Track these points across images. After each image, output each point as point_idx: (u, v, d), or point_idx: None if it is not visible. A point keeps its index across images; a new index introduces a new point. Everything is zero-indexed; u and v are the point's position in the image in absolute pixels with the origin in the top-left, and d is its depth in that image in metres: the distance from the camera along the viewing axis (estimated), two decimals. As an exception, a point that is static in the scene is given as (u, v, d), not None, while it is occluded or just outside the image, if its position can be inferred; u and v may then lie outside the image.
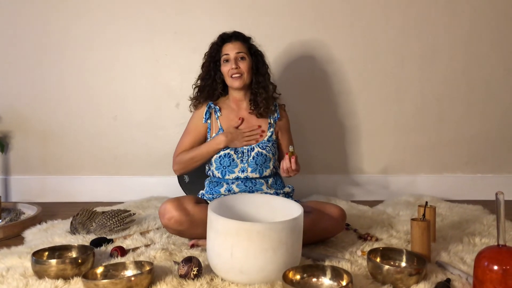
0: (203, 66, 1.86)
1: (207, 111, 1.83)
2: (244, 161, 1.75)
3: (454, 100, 2.54)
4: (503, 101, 2.54)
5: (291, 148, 1.65)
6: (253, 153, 1.75)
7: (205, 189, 1.82)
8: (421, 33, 2.49)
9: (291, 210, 1.42)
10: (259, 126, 1.81)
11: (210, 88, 1.83)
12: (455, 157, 2.58)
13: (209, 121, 1.83)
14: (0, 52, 2.51)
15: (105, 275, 1.32)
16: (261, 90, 1.80)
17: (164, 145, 2.51)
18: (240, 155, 1.75)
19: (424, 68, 2.52)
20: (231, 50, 1.77)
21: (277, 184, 1.80)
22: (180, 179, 2.25)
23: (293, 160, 1.62)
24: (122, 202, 2.40)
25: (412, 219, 1.49)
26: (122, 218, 1.89)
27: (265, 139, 1.80)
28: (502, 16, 2.48)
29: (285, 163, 1.63)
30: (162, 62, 2.51)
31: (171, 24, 2.49)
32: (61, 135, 2.55)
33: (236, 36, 1.81)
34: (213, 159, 1.78)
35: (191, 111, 1.89)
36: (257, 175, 1.75)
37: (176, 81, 2.51)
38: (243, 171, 1.74)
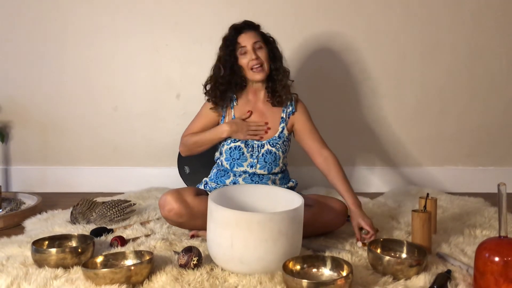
0: (219, 60, 1.74)
1: (224, 99, 1.75)
2: (254, 157, 1.70)
3: (456, 92, 2.52)
4: (505, 93, 2.53)
5: (364, 232, 1.55)
6: (263, 150, 1.71)
7: (209, 176, 1.79)
8: (424, 24, 2.47)
9: (292, 201, 1.42)
10: (266, 123, 1.74)
11: (229, 81, 1.72)
12: (457, 149, 2.57)
13: (225, 109, 1.76)
14: (1, 42, 2.49)
15: (105, 265, 1.32)
16: (281, 76, 1.72)
17: (164, 136, 2.51)
18: (250, 149, 1.70)
19: (426, 60, 2.50)
20: (247, 41, 1.70)
21: (284, 179, 1.78)
22: (181, 169, 2.25)
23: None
24: (122, 193, 2.39)
25: (413, 211, 1.49)
26: (122, 208, 1.89)
27: (276, 135, 1.74)
28: (505, 8, 2.46)
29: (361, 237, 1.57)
30: (163, 53, 2.50)
31: (171, 14, 2.46)
32: (61, 125, 2.54)
33: (248, 26, 1.73)
34: (223, 149, 1.74)
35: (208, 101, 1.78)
36: (266, 172, 1.71)
37: (177, 72, 2.50)
38: (251, 167, 1.70)
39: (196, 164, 2.25)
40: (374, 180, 2.56)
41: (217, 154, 1.82)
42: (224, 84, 1.72)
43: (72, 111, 2.53)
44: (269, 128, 1.74)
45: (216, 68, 1.75)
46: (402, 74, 2.51)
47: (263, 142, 1.72)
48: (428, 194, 1.62)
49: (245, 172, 1.71)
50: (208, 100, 1.77)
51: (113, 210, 1.86)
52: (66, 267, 1.32)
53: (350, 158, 2.56)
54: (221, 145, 1.76)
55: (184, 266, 1.31)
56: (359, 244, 1.55)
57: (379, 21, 2.47)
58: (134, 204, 1.98)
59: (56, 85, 2.52)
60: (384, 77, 2.51)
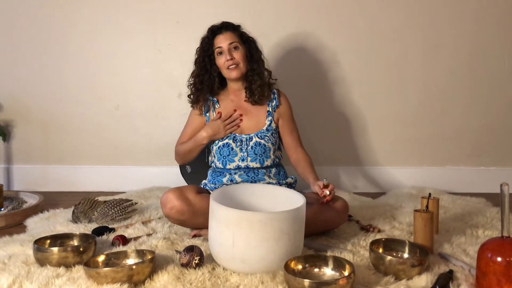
0: (196, 62, 1.83)
1: (205, 104, 1.82)
2: (244, 150, 1.74)
3: (458, 92, 2.52)
4: (507, 93, 2.52)
5: (325, 182, 1.59)
6: (251, 143, 1.75)
7: (207, 178, 1.82)
8: (426, 24, 2.46)
9: (294, 200, 1.42)
10: (235, 110, 1.80)
11: (208, 83, 1.80)
12: (458, 149, 2.56)
13: (208, 114, 1.82)
14: (2, 41, 2.50)
15: (106, 264, 1.32)
16: (256, 77, 1.78)
17: (166, 135, 2.51)
18: (239, 143, 1.75)
19: (428, 59, 2.49)
20: (223, 42, 1.75)
21: (280, 175, 1.80)
22: (182, 169, 2.25)
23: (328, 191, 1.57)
24: (124, 192, 2.40)
25: (415, 211, 1.48)
26: (124, 207, 1.89)
27: (264, 128, 1.78)
28: (507, 8, 2.45)
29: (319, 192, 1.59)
30: (164, 51, 2.50)
31: (173, 13, 2.46)
32: (63, 124, 2.54)
33: (226, 27, 1.78)
34: (213, 150, 1.79)
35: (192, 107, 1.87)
36: (258, 165, 1.74)
37: (178, 71, 2.49)
38: (243, 160, 1.74)
39: (197, 163, 2.24)
40: (376, 180, 2.55)
41: (210, 158, 1.85)
42: (199, 84, 1.80)
43: (74, 110, 2.53)
44: (241, 115, 1.79)
45: (194, 69, 1.84)
46: (404, 74, 2.51)
47: (251, 135, 1.76)
48: (430, 194, 1.61)
49: (238, 167, 1.74)
50: (189, 103, 1.84)
51: (115, 209, 1.86)
52: (68, 266, 1.32)
53: (351, 158, 2.56)
54: (211, 147, 1.81)
55: (186, 265, 1.31)
56: (326, 192, 1.56)
57: (380, 21, 2.46)
58: (135, 203, 1.98)
59: (58, 84, 2.52)
60: (386, 77, 2.50)
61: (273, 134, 1.80)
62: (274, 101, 1.83)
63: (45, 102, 2.53)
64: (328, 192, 1.57)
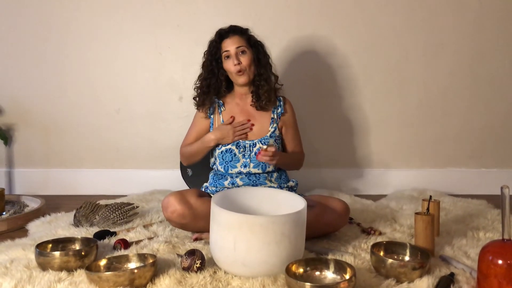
0: (203, 66, 1.82)
1: (211, 106, 1.82)
2: (246, 157, 1.74)
3: (459, 93, 2.52)
4: (508, 94, 2.52)
5: (271, 142, 1.67)
6: (255, 149, 1.75)
7: (209, 181, 1.83)
8: (426, 26, 2.47)
9: (295, 203, 1.42)
10: (249, 120, 1.79)
11: (214, 87, 1.80)
12: (460, 151, 2.56)
13: (212, 116, 1.82)
14: (3, 44, 2.51)
15: (108, 268, 1.33)
16: (263, 82, 1.77)
17: (167, 138, 2.51)
18: (242, 150, 1.75)
19: (429, 61, 2.49)
20: (230, 45, 1.74)
21: (281, 179, 1.79)
22: (183, 172, 2.26)
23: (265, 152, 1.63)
24: (125, 195, 2.40)
25: (416, 213, 1.48)
26: (126, 211, 1.90)
27: (268, 135, 1.78)
28: (508, 9, 2.45)
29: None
30: (165, 55, 2.50)
31: (174, 16, 2.47)
32: (64, 128, 2.55)
33: (233, 31, 1.77)
34: (216, 154, 1.79)
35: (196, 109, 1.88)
36: (260, 171, 1.75)
37: (179, 74, 2.50)
38: (245, 166, 1.74)
39: (198, 166, 2.25)
40: (377, 182, 2.55)
41: (212, 160, 1.85)
42: (206, 87, 1.80)
43: (75, 113, 2.54)
44: (252, 125, 1.80)
45: (201, 72, 1.83)
46: (405, 75, 2.51)
47: (255, 141, 1.76)
48: (430, 196, 1.61)
49: (240, 173, 1.74)
50: (195, 106, 1.84)
51: (116, 212, 1.86)
52: (69, 270, 1.33)
53: (352, 160, 2.56)
54: (214, 150, 1.81)
55: (187, 269, 1.31)
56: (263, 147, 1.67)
57: (381, 22, 2.47)
58: (137, 206, 1.98)
59: (59, 87, 2.53)
60: (387, 78, 2.51)
61: (276, 141, 1.80)
62: (280, 108, 1.83)
63: (46, 105, 2.54)
64: (265, 147, 1.64)
